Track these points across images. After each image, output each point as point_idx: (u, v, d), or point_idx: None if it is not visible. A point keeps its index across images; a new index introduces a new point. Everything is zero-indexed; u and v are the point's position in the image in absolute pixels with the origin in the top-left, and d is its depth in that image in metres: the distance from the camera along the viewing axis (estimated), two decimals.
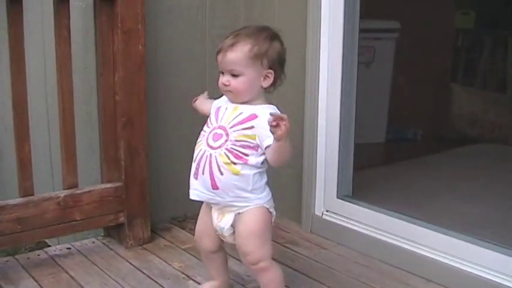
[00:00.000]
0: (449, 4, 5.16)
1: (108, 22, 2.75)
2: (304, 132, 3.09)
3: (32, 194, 2.69)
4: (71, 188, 2.77)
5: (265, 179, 2.21)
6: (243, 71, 2.13)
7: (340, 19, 2.92)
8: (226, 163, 2.13)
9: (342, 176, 3.05)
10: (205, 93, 2.48)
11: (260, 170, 2.17)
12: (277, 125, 1.97)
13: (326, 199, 3.08)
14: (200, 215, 2.34)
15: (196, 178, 2.21)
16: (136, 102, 2.80)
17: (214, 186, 2.15)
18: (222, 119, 2.20)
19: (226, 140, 2.14)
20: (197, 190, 2.22)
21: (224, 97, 2.26)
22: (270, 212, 2.23)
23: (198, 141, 2.24)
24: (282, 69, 2.21)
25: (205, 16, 3.19)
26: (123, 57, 2.74)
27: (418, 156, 4.22)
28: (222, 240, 2.31)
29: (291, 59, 3.10)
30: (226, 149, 2.13)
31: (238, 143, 2.12)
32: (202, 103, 2.45)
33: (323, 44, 2.98)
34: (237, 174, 2.14)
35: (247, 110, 2.16)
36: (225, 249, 2.38)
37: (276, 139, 2.00)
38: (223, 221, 2.22)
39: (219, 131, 2.17)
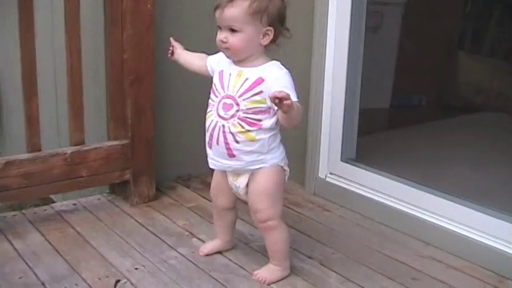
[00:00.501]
0: None
1: None
2: (310, 95, 3.11)
3: (40, 150, 2.72)
4: (77, 144, 2.81)
5: (279, 138, 2.24)
6: (241, 27, 2.10)
7: None
8: (241, 132, 2.15)
9: (346, 139, 3.08)
10: (178, 44, 2.44)
11: (274, 131, 2.20)
12: (280, 101, 1.95)
13: (330, 162, 3.11)
14: (215, 173, 2.37)
15: (210, 147, 2.24)
16: (144, 61, 2.82)
17: (231, 155, 2.18)
18: (228, 87, 2.18)
19: (238, 110, 2.14)
20: (213, 160, 2.26)
21: (222, 55, 2.24)
22: (284, 170, 2.27)
23: (208, 110, 2.24)
24: (282, 25, 2.17)
25: None
26: (131, 15, 2.75)
27: (422, 123, 4.24)
28: (237, 198, 2.35)
29: (299, 22, 3.11)
30: (239, 118, 2.14)
31: (250, 111, 2.13)
32: (186, 57, 2.43)
33: (331, 8, 2.98)
34: (253, 140, 2.16)
35: (252, 74, 2.15)
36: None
37: (284, 112, 2.00)
38: (238, 181, 2.26)
39: (228, 101, 2.17)
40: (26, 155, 2.69)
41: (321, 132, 3.11)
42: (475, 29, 5.31)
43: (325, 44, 3.02)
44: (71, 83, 2.75)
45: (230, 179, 2.29)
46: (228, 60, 2.22)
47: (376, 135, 3.75)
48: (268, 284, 2.28)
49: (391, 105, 4.66)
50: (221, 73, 2.23)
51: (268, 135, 2.17)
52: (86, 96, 2.82)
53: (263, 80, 2.12)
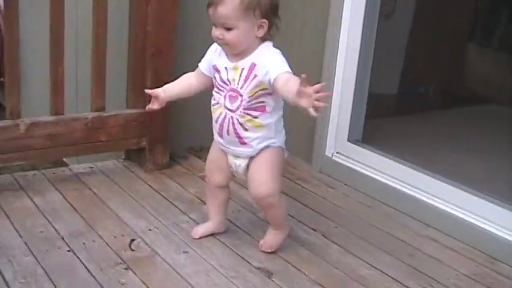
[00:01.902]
0: None
1: None
2: (322, 76, 3.21)
3: (63, 114, 2.86)
4: (98, 110, 2.94)
5: (282, 122, 2.32)
6: (235, 23, 2.12)
7: None
8: (249, 120, 2.22)
9: (354, 121, 3.21)
10: (156, 91, 2.41)
11: (279, 113, 2.27)
12: (302, 94, 1.92)
13: (337, 141, 3.25)
14: (211, 150, 2.43)
15: (221, 137, 2.30)
16: (166, 35, 2.94)
17: (242, 143, 2.26)
18: (229, 81, 2.23)
19: (242, 100, 2.20)
20: (225, 147, 2.32)
21: (215, 50, 2.28)
22: (283, 149, 2.34)
23: (214, 103, 2.29)
24: (275, 16, 2.19)
25: None
26: None
27: (427, 111, 4.35)
28: (232, 177, 2.42)
29: (316, 6, 3.23)
30: (244, 108, 2.20)
31: (252, 98, 2.19)
32: (176, 89, 2.42)
33: None
34: (260, 126, 2.23)
35: (246, 63, 2.19)
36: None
37: (294, 103, 1.96)
38: (239, 160, 2.32)
39: (233, 94, 2.22)
40: (50, 118, 2.83)
41: (330, 113, 3.23)
42: (486, 22, 5.38)
43: (340, 29, 3.13)
44: (96, 51, 2.88)
45: (230, 157, 2.34)
46: (220, 54, 2.26)
47: (383, 119, 3.85)
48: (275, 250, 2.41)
49: (399, 92, 4.75)
50: (215, 67, 2.27)
51: (274, 119, 2.25)
52: (108, 65, 2.94)
53: (255, 65, 2.16)
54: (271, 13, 2.17)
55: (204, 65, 2.35)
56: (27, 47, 2.92)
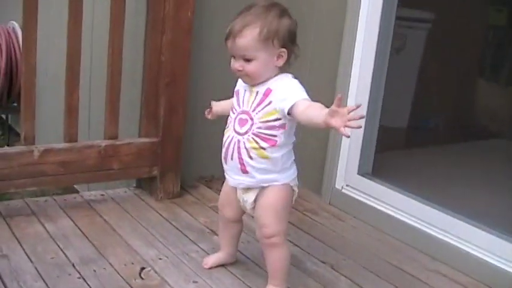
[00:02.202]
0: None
1: None
2: None
3: (76, 141, 2.90)
4: (111, 138, 2.98)
5: (292, 158, 2.26)
6: (255, 55, 2.12)
7: (378, 7, 3.07)
8: (255, 148, 2.17)
9: (364, 154, 3.23)
10: (212, 102, 2.48)
11: (288, 149, 2.22)
12: (336, 115, 1.91)
13: (347, 174, 3.27)
14: (224, 184, 2.40)
15: (226, 163, 2.28)
16: (180, 64, 2.98)
17: (244, 171, 2.21)
18: (243, 103, 2.22)
19: (252, 124, 2.17)
20: (228, 175, 2.30)
21: (240, 80, 2.27)
22: (293, 190, 2.28)
23: (226, 127, 2.28)
24: (294, 44, 2.18)
25: None
26: (172, 21, 2.92)
27: (437, 145, 4.38)
28: (243, 212, 2.38)
29: (328, 40, 3.27)
30: (253, 133, 2.17)
31: (263, 125, 2.15)
32: (219, 107, 2.45)
33: (360, 28, 3.14)
34: (266, 158, 2.18)
35: (261, 88, 2.17)
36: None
37: (324, 123, 1.95)
38: (247, 195, 2.28)
39: (244, 116, 2.20)
40: (63, 145, 2.87)
41: (340, 146, 3.26)
42: (496, 58, 5.43)
43: (352, 63, 3.17)
44: (110, 80, 2.92)
45: (239, 192, 2.31)
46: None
47: (393, 153, 3.88)
48: None
49: (409, 125, 4.77)
50: (237, 92, 2.27)
51: (281, 153, 2.19)
52: (122, 93, 2.98)
53: (271, 91, 2.15)
54: (289, 41, 2.16)
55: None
56: (40, 72, 2.96)
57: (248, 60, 2.13)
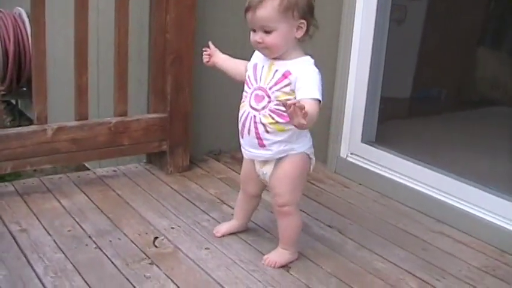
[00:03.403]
0: None
1: None
2: (336, 79, 3.34)
3: (87, 119, 2.99)
4: (121, 115, 3.07)
5: None
6: (275, 26, 2.13)
7: None
8: (272, 123, 2.21)
9: (367, 122, 3.31)
10: (215, 49, 2.46)
11: None
12: (293, 112, 1.98)
13: (351, 143, 3.35)
14: (244, 161, 2.45)
15: (242, 137, 2.31)
16: (185, 41, 3.06)
17: (261, 144, 2.25)
18: (260, 79, 2.24)
19: (269, 102, 2.20)
20: (245, 149, 2.33)
21: (257, 52, 2.29)
22: (310, 158, 2.34)
23: (242, 101, 2.30)
24: (312, 16, 2.20)
25: None
26: (175, 0, 2.99)
27: (439, 113, 4.45)
28: (264, 186, 2.44)
29: (327, 11, 3.33)
30: (270, 110, 2.20)
31: (280, 103, 2.15)
32: (227, 63, 2.44)
33: (358, 0, 3.21)
34: (282, 131, 2.22)
35: (281, 67, 2.19)
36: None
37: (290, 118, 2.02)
38: (265, 168, 2.33)
39: (260, 93, 2.22)
40: (74, 123, 2.96)
41: (344, 115, 3.35)
42: (497, 25, 5.46)
43: (352, 34, 3.25)
44: (118, 58, 3.01)
45: (257, 166, 2.36)
46: (261, 54, 2.27)
47: (396, 122, 3.94)
48: (278, 267, 2.39)
49: (412, 95, 4.83)
50: (255, 66, 2.28)
51: None
52: (129, 72, 3.07)
53: (290, 73, 2.17)
54: (308, 13, 2.18)
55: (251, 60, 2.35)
56: (48, 56, 3.04)
57: (268, 32, 2.15)
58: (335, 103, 3.36)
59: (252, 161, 2.39)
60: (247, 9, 2.17)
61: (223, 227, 2.61)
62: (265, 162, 2.33)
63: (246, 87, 2.30)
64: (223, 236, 2.58)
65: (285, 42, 2.18)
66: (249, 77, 2.29)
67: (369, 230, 2.76)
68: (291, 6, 2.14)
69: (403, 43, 4.36)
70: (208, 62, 2.47)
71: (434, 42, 4.86)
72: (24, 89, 4.80)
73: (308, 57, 2.23)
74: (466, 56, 5.16)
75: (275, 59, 2.22)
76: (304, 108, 1.98)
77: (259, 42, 2.18)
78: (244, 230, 2.64)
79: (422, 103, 4.76)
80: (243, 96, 2.31)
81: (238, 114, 2.33)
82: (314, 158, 2.37)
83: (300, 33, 2.19)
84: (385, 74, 3.33)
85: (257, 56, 2.31)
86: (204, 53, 2.47)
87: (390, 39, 3.29)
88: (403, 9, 4.57)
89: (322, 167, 3.43)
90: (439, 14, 4.81)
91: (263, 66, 2.25)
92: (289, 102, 1.99)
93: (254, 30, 2.18)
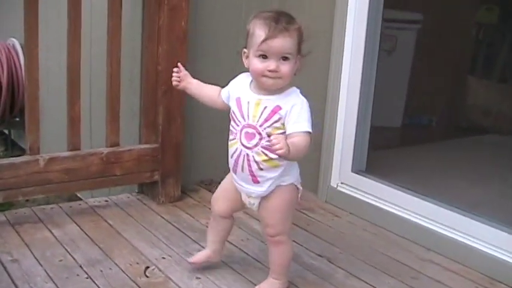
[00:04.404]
0: None
1: None
2: (326, 110, 3.37)
3: (79, 149, 3.01)
4: (113, 146, 3.09)
5: None
6: (292, 55, 2.14)
7: (365, 9, 3.19)
8: (265, 160, 2.20)
9: (358, 152, 3.34)
10: (186, 72, 2.45)
11: None
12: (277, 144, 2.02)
13: (341, 172, 3.37)
14: (225, 179, 2.45)
15: (235, 173, 2.30)
16: None
17: (255, 181, 2.25)
18: (248, 116, 2.21)
19: (260, 139, 2.19)
20: (238, 183, 2.32)
21: (240, 82, 2.28)
22: (298, 189, 2.34)
23: (231, 138, 2.28)
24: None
25: None
26: (167, 32, 3.03)
27: (431, 141, 4.50)
28: (236, 209, 2.43)
29: (318, 42, 3.38)
30: (262, 147, 2.19)
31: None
32: (197, 88, 2.44)
33: (348, 31, 3.25)
34: (276, 166, 2.22)
35: (270, 103, 2.18)
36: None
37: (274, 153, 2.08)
38: (253, 199, 2.32)
39: (250, 130, 2.20)
40: (67, 153, 2.98)
41: (334, 145, 3.37)
42: (487, 55, 5.53)
43: (342, 63, 3.29)
44: (110, 89, 3.04)
45: (244, 196, 2.35)
46: (243, 86, 2.26)
47: (386, 151, 3.98)
48: None
49: (403, 124, 4.88)
50: (238, 100, 2.25)
51: None
52: (122, 102, 3.10)
53: (280, 108, 2.16)
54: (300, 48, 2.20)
55: (225, 94, 2.34)
56: (41, 86, 3.06)
57: (285, 60, 2.14)
58: (325, 132, 3.39)
59: (234, 184, 2.37)
60: (269, 37, 2.11)
61: (197, 255, 2.55)
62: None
63: (233, 123, 2.28)
64: (195, 263, 2.53)
65: (291, 74, 2.18)
66: (234, 113, 2.27)
67: (359, 258, 2.78)
68: (302, 40, 2.17)
69: (393, 72, 4.42)
70: (178, 86, 2.46)
71: (424, 71, 4.93)
72: (17, 119, 4.82)
73: (294, 88, 2.23)
74: (457, 84, 5.24)
75: (262, 93, 2.20)
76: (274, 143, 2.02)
77: (273, 71, 2.14)
78: (233, 259, 2.65)
79: (413, 131, 4.81)
80: (231, 133, 2.29)
81: (228, 150, 2.32)
82: (301, 188, 2.36)
83: (297, 67, 2.20)
84: (376, 103, 3.37)
85: (239, 88, 2.29)
86: (174, 74, 2.46)
87: (380, 69, 3.33)
88: (393, 39, 4.65)
89: (313, 197, 3.46)
90: (429, 43, 4.87)
91: (248, 102, 2.22)
92: (272, 138, 2.04)
93: (264, 58, 2.14)
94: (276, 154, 2.06)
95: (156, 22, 3.05)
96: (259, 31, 2.14)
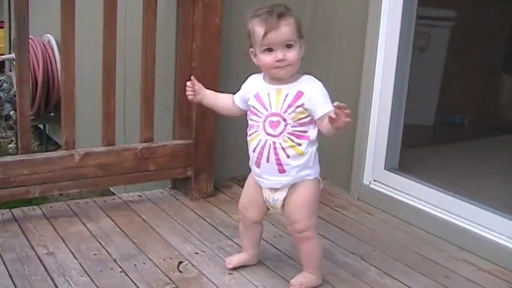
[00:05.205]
0: None
1: None
2: (359, 107, 3.35)
3: (114, 144, 3.04)
4: (147, 141, 3.12)
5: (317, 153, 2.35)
6: (295, 41, 2.22)
7: (399, 6, 3.17)
8: (291, 146, 2.25)
9: (391, 149, 3.32)
10: (196, 82, 2.50)
11: (317, 144, 2.31)
12: (337, 116, 2.10)
13: (374, 170, 3.37)
14: (246, 187, 2.50)
15: (258, 167, 2.33)
16: (210, 69, 3.11)
17: (282, 171, 2.28)
18: (270, 105, 2.27)
19: (286, 125, 2.24)
20: (262, 178, 2.35)
21: (253, 81, 2.37)
22: (320, 182, 2.37)
23: (251, 131, 2.34)
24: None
25: None
26: (201, 28, 3.06)
27: (464, 140, 4.46)
28: (265, 212, 2.46)
29: (352, 40, 3.38)
30: (288, 132, 2.25)
31: (297, 123, 2.24)
32: (212, 98, 2.53)
33: (382, 28, 3.23)
34: (302, 154, 2.27)
35: (291, 89, 2.25)
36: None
37: (334, 128, 2.16)
38: (276, 194, 2.35)
39: (275, 118, 2.26)
40: (102, 148, 3.02)
41: (367, 142, 3.36)
42: None
43: (375, 61, 3.27)
44: (145, 86, 3.07)
45: (267, 193, 2.37)
46: (259, 82, 2.33)
47: (419, 149, 3.96)
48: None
49: (435, 122, 4.85)
50: (257, 95, 2.32)
51: (313, 148, 2.29)
52: (156, 98, 3.13)
53: (303, 93, 2.24)
54: (301, 33, 2.28)
55: (239, 99, 2.43)
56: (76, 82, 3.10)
57: (289, 48, 2.22)
58: (358, 130, 3.38)
59: (257, 187, 2.41)
60: (267, 31, 2.20)
61: (235, 259, 2.58)
62: (276, 188, 2.35)
63: (253, 117, 2.34)
64: (234, 268, 2.55)
65: (299, 60, 2.25)
66: (254, 108, 2.33)
67: (392, 256, 2.77)
68: (300, 26, 2.26)
69: (426, 70, 4.39)
70: (193, 99, 2.54)
71: (457, 69, 4.89)
72: (52, 114, 4.89)
73: (308, 75, 2.31)
74: (490, 82, 5.18)
75: (279, 83, 2.27)
76: (345, 107, 2.09)
77: (281, 60, 2.22)
78: (266, 256, 2.66)
79: (445, 130, 4.77)
80: (251, 127, 2.35)
81: (248, 147, 2.37)
82: (322, 183, 2.41)
83: (302, 52, 2.27)
84: (409, 101, 3.35)
85: (254, 86, 2.36)
86: (188, 88, 2.52)
87: (413, 66, 3.32)
88: (426, 36, 4.61)
89: (346, 194, 3.46)
90: (462, 41, 4.83)
91: (268, 93, 2.30)
92: (333, 109, 2.11)
93: (270, 51, 2.23)
94: (344, 123, 2.11)
95: (190, 19, 3.07)
96: (258, 28, 2.24)
